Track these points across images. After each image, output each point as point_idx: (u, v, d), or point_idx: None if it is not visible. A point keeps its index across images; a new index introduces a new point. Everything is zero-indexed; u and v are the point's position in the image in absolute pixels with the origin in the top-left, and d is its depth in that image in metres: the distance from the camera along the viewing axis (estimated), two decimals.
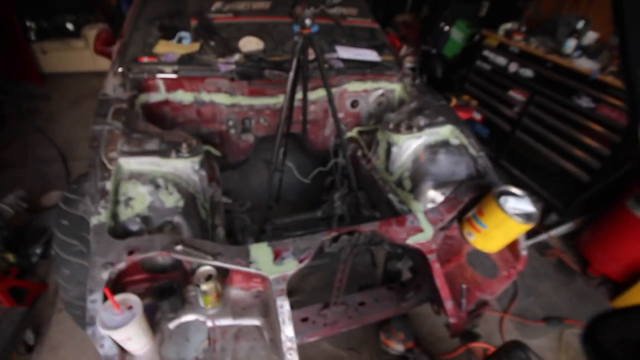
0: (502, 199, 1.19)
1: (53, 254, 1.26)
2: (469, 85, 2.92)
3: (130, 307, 0.82)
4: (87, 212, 1.15)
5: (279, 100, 1.75)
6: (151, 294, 0.99)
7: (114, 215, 1.09)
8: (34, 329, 1.65)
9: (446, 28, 3.12)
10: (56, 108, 3.50)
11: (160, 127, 1.66)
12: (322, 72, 1.34)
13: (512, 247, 1.35)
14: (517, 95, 2.54)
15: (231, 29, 1.84)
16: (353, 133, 2.10)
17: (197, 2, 1.89)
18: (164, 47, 1.69)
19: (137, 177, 1.20)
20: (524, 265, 1.31)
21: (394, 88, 2.08)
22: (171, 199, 1.21)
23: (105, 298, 0.86)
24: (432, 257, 1.12)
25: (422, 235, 1.15)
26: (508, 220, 1.15)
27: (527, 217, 1.17)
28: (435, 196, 1.52)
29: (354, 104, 2.07)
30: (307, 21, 1.16)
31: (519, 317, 1.90)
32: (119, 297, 0.84)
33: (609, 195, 2.09)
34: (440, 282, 1.08)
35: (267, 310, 1.06)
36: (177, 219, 1.20)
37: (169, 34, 1.76)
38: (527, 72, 2.44)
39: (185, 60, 1.66)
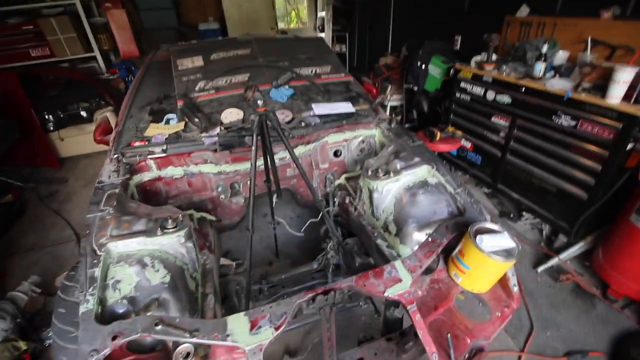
0: (478, 238, 1.19)
1: (52, 342, 1.31)
2: (454, 117, 3.00)
3: None
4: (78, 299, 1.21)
5: (261, 162, 1.85)
6: None
7: (102, 301, 1.15)
8: None
9: (423, 66, 3.28)
10: (73, 189, 3.77)
11: (156, 202, 1.79)
12: (285, 141, 1.45)
13: (503, 284, 1.31)
14: (500, 120, 2.58)
15: (214, 104, 2.02)
16: (341, 180, 2.17)
17: (183, 84, 2.10)
18: (153, 130, 1.86)
19: (125, 259, 1.28)
20: (518, 303, 1.26)
21: (373, 134, 2.18)
22: (157, 276, 1.26)
23: None
24: (412, 308, 1.10)
25: (401, 285, 1.15)
26: (486, 259, 1.14)
27: (506, 253, 1.16)
28: (420, 238, 1.52)
29: (337, 153, 2.16)
30: (259, 102, 1.28)
31: (538, 355, 1.76)
32: None
33: (615, 210, 2.01)
34: (423, 334, 1.05)
35: None
36: (164, 295, 1.24)
37: (158, 117, 1.95)
38: (505, 98, 2.50)
39: (172, 139, 1.82)
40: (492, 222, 1.29)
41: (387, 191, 1.67)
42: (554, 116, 2.20)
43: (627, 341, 1.77)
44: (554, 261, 2.24)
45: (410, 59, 3.44)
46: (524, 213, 2.68)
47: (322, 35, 6.46)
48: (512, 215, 2.71)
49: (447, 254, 1.38)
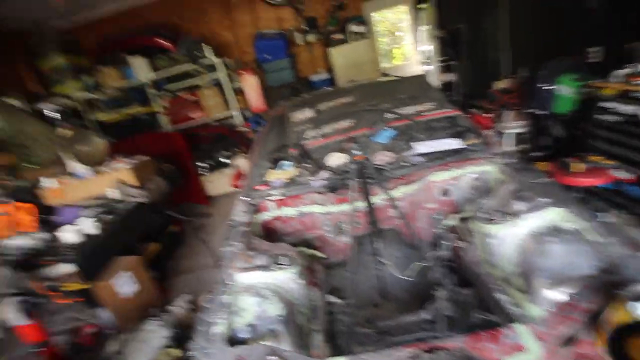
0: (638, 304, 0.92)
1: (194, 354, 1.60)
2: (597, 142, 2.44)
3: None
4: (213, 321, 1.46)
5: (365, 203, 1.91)
6: None
7: (230, 325, 1.36)
8: None
9: (549, 87, 2.85)
10: (216, 222, 4.62)
11: (273, 239, 2.03)
12: (380, 185, 1.46)
13: None
14: None
15: (321, 150, 2.23)
16: (451, 221, 2.02)
17: (295, 134, 2.39)
18: (272, 176, 2.17)
19: (248, 289, 1.49)
20: None
21: (488, 170, 1.98)
22: (273, 309, 1.42)
23: None
24: None
25: (524, 356, 0.97)
26: None
27: None
28: (554, 297, 1.26)
29: (445, 192, 2.04)
30: (355, 152, 1.36)
31: None
32: None
33: None
34: None
35: None
36: (278, 327, 1.38)
37: (276, 164, 2.27)
38: None
39: (288, 183, 2.08)
40: None
41: (506, 237, 1.48)
42: None
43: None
44: None
45: (532, 80, 3.05)
46: None
47: (429, 68, 6.39)
48: None
49: (594, 322, 1.10)
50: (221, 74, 5.36)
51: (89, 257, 2.58)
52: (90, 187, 3.27)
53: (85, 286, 2.58)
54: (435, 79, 5.85)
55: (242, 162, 4.77)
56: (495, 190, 1.83)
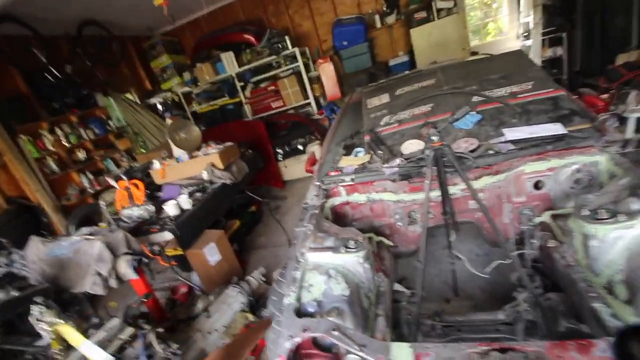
0: None
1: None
2: None
3: None
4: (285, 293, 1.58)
5: (439, 193, 1.80)
6: None
7: (299, 298, 1.45)
8: None
9: None
10: (290, 204, 4.89)
11: (343, 223, 2.07)
12: (461, 174, 1.36)
13: None
14: None
15: (396, 136, 2.16)
16: (543, 218, 1.78)
17: (371, 120, 2.37)
18: (345, 162, 2.19)
19: (317, 268, 1.56)
20: None
21: (597, 160, 1.68)
22: (339, 288, 1.46)
23: None
24: None
25: None
26: None
27: None
28: None
29: (538, 185, 1.80)
30: (434, 138, 1.27)
31: None
32: None
33: None
34: None
35: None
36: (342, 305, 1.42)
37: (349, 151, 2.28)
38: None
39: (359, 169, 2.08)
40: None
41: (615, 240, 1.25)
42: None
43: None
44: None
45: None
46: None
47: (528, 42, 5.59)
48: None
49: None
50: (299, 64, 5.56)
51: (185, 228, 2.99)
52: (187, 169, 3.76)
53: (181, 252, 3.03)
54: (537, 55, 5.09)
55: (316, 149, 4.94)
56: (606, 185, 1.55)
